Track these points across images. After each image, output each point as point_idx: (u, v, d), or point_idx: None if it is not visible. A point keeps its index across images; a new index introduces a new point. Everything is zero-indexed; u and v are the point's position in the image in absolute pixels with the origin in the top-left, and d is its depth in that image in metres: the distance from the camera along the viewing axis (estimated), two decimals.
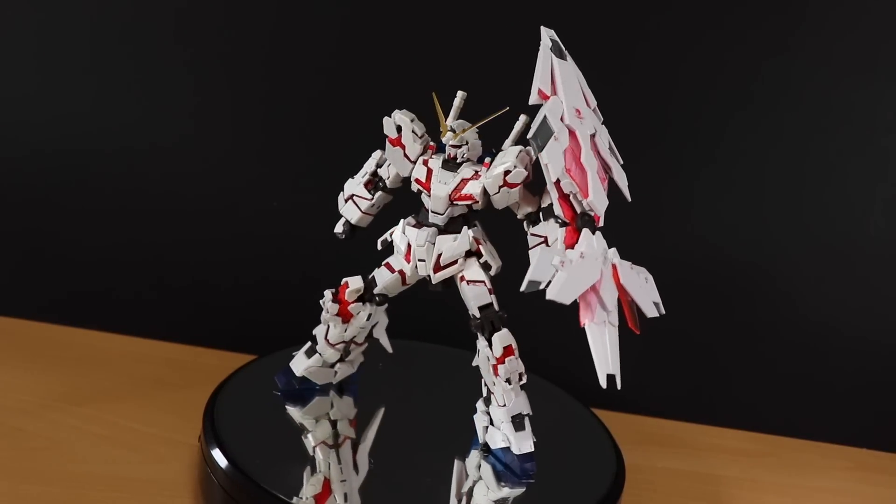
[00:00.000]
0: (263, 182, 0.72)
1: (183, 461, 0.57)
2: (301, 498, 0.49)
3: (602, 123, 0.49)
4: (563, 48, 0.48)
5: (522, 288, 0.46)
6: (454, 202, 0.51)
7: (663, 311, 0.46)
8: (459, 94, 0.51)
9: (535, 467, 0.52)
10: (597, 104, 0.49)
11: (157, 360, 0.69)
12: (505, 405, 0.52)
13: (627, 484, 0.54)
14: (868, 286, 0.71)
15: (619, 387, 0.44)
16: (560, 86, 0.47)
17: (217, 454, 0.51)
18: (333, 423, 0.57)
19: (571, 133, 0.47)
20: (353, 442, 0.55)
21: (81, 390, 0.63)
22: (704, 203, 0.71)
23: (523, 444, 0.52)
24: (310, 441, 0.55)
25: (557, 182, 0.46)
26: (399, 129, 0.52)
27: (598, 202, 0.46)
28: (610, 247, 0.46)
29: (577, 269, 0.45)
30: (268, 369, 0.61)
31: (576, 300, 0.44)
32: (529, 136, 0.47)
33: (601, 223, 0.46)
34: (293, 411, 0.57)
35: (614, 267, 0.45)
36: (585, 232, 0.46)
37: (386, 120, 0.53)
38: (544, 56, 0.47)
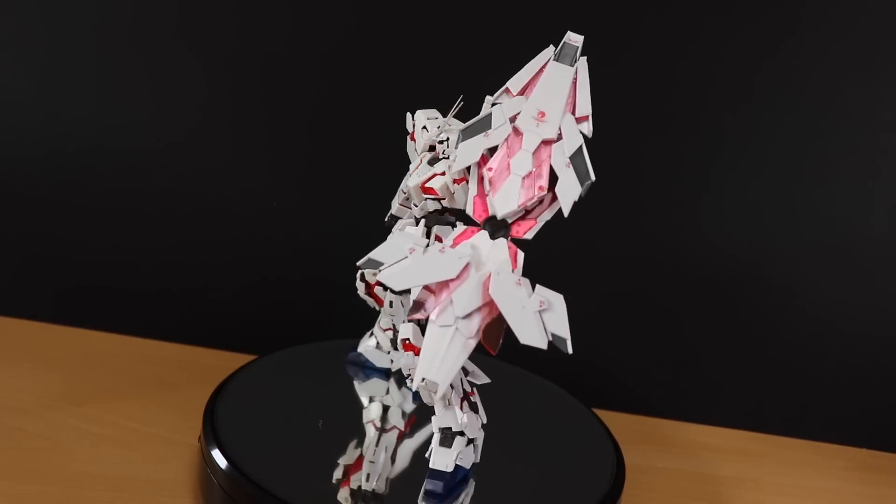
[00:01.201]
0: (264, 182, 0.72)
1: (183, 461, 0.57)
2: (338, 464, 0.51)
3: (584, 135, 0.46)
4: (577, 55, 0.46)
5: (359, 263, 0.45)
6: (425, 196, 0.50)
7: (568, 351, 0.42)
8: (487, 98, 0.51)
9: (443, 489, 0.49)
10: (590, 113, 0.46)
11: (157, 360, 0.69)
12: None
13: (627, 484, 0.54)
14: (868, 286, 0.71)
15: (437, 396, 0.43)
16: (537, 87, 0.46)
17: (217, 454, 0.51)
18: (385, 408, 0.58)
19: (517, 133, 0.45)
20: (399, 432, 0.56)
21: (81, 390, 0.63)
22: (704, 203, 0.71)
23: (438, 460, 0.49)
24: (364, 416, 0.57)
25: (480, 179, 0.45)
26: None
27: (500, 204, 0.44)
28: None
29: (427, 262, 0.43)
30: (268, 369, 0.61)
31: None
32: (462, 128, 0.46)
33: (527, 235, 0.45)
34: (357, 385, 0.60)
35: (489, 276, 0.43)
36: (482, 233, 0.45)
37: (408, 115, 0.53)
38: (538, 59, 0.47)
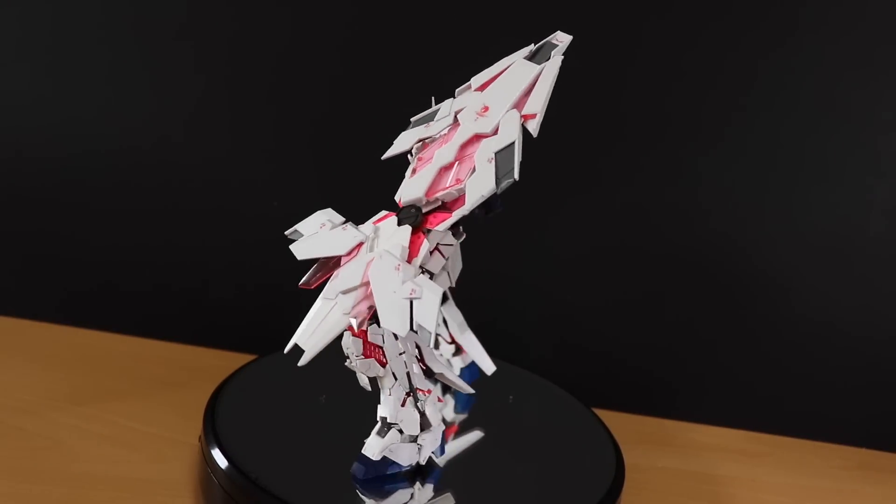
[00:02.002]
0: (265, 182, 0.72)
1: (183, 461, 0.57)
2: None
3: (521, 132, 0.45)
4: (555, 54, 0.46)
5: (286, 232, 0.47)
6: None
7: (430, 344, 0.43)
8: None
9: (364, 475, 0.50)
10: (539, 112, 0.45)
11: (157, 360, 0.70)
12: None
13: (627, 484, 0.55)
14: (867, 285, 0.71)
15: (299, 363, 0.44)
16: (494, 83, 0.46)
17: (217, 454, 0.51)
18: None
19: (456, 125, 0.45)
20: None
21: (82, 390, 0.64)
22: (704, 204, 0.71)
23: (369, 446, 0.49)
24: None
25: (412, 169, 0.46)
26: None
27: (406, 191, 0.45)
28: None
29: (328, 237, 0.46)
30: (268, 369, 0.61)
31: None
32: (413, 119, 0.47)
33: (439, 227, 0.45)
34: None
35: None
36: (392, 218, 0.46)
37: None
38: (510, 57, 0.47)
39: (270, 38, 0.70)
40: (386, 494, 0.50)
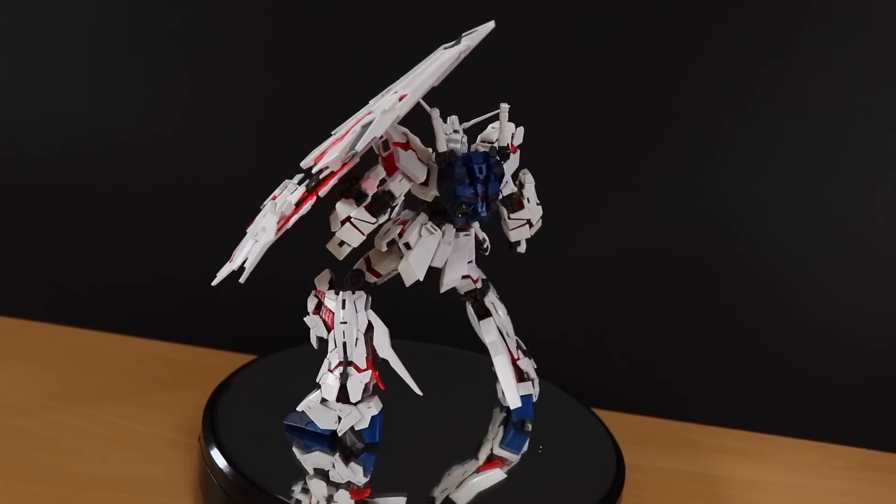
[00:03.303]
0: (264, 181, 0.72)
1: (183, 461, 0.57)
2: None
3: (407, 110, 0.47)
4: (463, 38, 0.48)
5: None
6: None
7: (240, 279, 0.46)
8: (503, 106, 0.51)
9: (288, 420, 0.53)
10: (410, 93, 0.47)
11: (157, 360, 0.69)
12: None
13: (627, 484, 0.54)
14: (868, 286, 0.71)
15: (212, 283, 0.48)
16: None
17: (217, 454, 0.51)
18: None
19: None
20: (478, 466, 0.56)
21: (81, 390, 0.63)
22: (705, 205, 0.71)
23: (304, 399, 0.53)
24: None
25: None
26: None
27: (307, 157, 0.49)
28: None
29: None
30: (268, 369, 0.61)
31: None
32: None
33: (320, 193, 0.47)
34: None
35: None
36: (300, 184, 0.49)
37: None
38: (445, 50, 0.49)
39: (267, 37, 0.69)
40: (307, 450, 0.52)
